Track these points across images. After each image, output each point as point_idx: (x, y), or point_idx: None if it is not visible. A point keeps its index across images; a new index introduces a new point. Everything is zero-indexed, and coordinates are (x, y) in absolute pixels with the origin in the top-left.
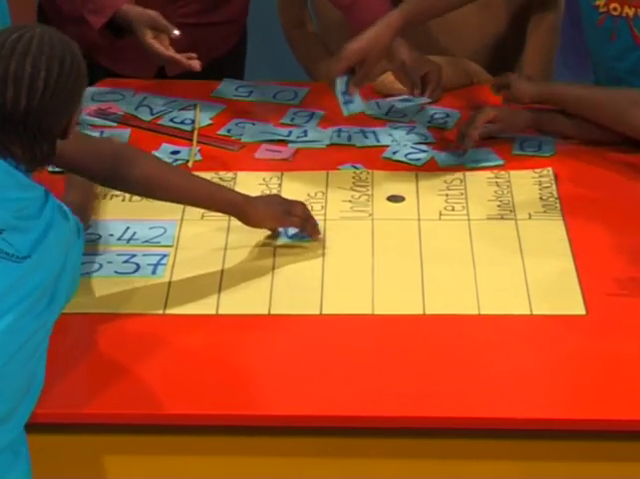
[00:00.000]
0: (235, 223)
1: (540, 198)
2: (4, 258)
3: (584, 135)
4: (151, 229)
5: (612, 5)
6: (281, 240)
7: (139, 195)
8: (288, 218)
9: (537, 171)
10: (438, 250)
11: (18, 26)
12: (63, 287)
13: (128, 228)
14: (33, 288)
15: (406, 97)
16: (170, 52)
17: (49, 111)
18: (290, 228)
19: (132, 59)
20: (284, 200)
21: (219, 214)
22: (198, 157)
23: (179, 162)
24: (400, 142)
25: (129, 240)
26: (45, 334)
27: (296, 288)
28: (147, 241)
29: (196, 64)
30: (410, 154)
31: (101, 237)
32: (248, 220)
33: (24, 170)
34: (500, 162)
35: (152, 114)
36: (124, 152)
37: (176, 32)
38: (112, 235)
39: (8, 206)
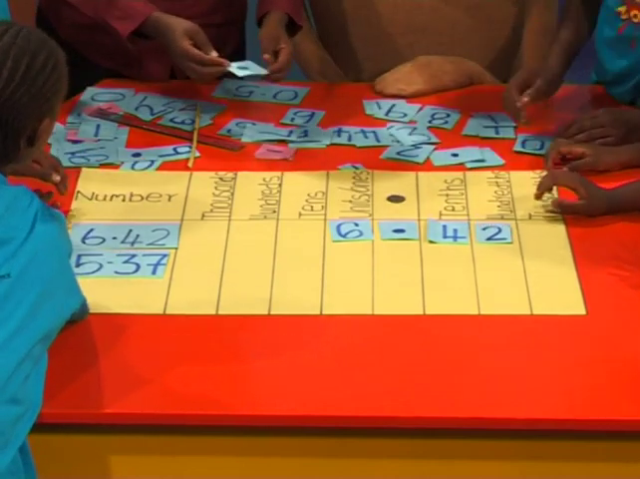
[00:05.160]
0: (235, 222)
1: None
2: None
3: None
4: (154, 231)
5: (633, 12)
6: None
7: None
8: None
9: (538, 171)
10: (438, 251)
11: (0, 22)
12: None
13: (130, 230)
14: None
15: (245, 64)
16: (212, 55)
17: (12, 105)
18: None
19: (145, 63)
20: None
21: (219, 213)
22: (197, 154)
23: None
24: (400, 142)
25: (133, 243)
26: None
27: (296, 288)
28: (151, 244)
29: (227, 62)
30: (410, 153)
31: (104, 239)
32: None
33: None
34: (501, 162)
35: (152, 114)
36: None
37: (214, 53)
38: (115, 237)
39: None
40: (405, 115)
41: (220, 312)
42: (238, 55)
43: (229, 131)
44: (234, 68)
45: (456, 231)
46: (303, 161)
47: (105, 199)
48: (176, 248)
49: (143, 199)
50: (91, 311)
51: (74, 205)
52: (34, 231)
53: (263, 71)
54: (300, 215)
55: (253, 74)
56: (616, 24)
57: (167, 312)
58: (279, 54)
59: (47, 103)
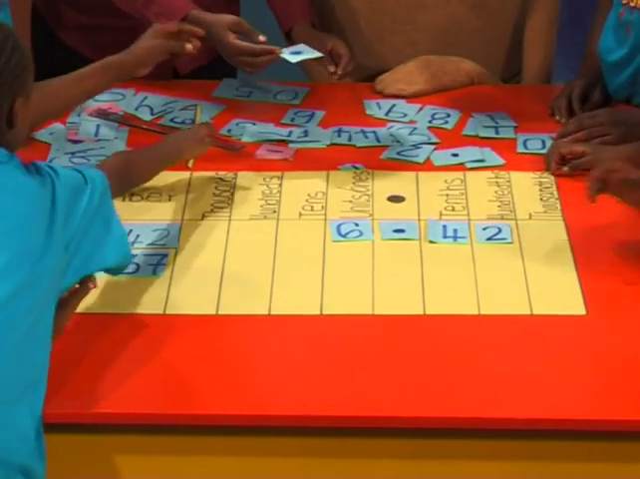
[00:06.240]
0: (235, 222)
1: (541, 198)
2: None
3: None
4: (154, 231)
5: None
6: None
7: None
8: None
9: (538, 172)
10: (438, 251)
11: None
12: (61, 258)
13: (131, 230)
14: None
15: (297, 49)
16: (260, 40)
17: None
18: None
19: None
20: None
21: (219, 213)
22: None
23: None
24: (400, 142)
25: (133, 243)
26: (39, 314)
27: (296, 288)
28: (151, 244)
29: (278, 49)
30: (410, 153)
31: None
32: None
33: None
34: (501, 162)
35: (152, 114)
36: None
37: (262, 37)
38: None
39: None
40: (405, 115)
41: (220, 312)
42: None
43: (229, 131)
44: (287, 54)
45: (456, 231)
46: (303, 161)
47: None
48: (176, 248)
49: (142, 199)
50: (91, 311)
51: None
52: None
53: (317, 54)
54: (300, 215)
55: (307, 58)
56: (618, 9)
57: (167, 312)
58: (335, 53)
59: (16, 81)
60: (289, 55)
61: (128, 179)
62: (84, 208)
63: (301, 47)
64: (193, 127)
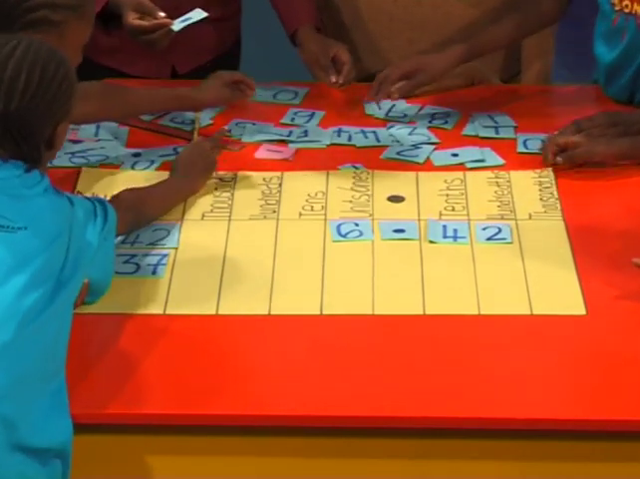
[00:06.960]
0: (235, 222)
1: (541, 198)
2: None
3: None
4: (154, 231)
5: (625, 2)
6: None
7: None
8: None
9: (538, 171)
10: (438, 251)
11: (7, 35)
12: (75, 273)
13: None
14: (33, 255)
15: (188, 15)
16: (158, 16)
17: (30, 114)
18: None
19: (146, 61)
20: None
21: (219, 213)
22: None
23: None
24: (400, 142)
25: (133, 243)
26: (59, 327)
27: (296, 288)
28: (151, 244)
29: (170, 22)
30: (410, 153)
31: None
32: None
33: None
34: (501, 162)
35: (152, 114)
36: None
37: (162, 14)
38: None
39: None
40: (405, 115)
41: (220, 312)
42: (235, 51)
43: (229, 131)
44: (176, 24)
45: (456, 231)
46: (303, 161)
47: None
48: (176, 248)
49: None
50: (91, 312)
51: None
52: (43, 195)
53: (203, 14)
54: (300, 215)
55: (191, 23)
56: (611, 16)
57: (167, 312)
58: (338, 60)
59: (61, 108)
60: (177, 24)
61: (137, 216)
62: (97, 235)
63: (193, 13)
64: (205, 153)
